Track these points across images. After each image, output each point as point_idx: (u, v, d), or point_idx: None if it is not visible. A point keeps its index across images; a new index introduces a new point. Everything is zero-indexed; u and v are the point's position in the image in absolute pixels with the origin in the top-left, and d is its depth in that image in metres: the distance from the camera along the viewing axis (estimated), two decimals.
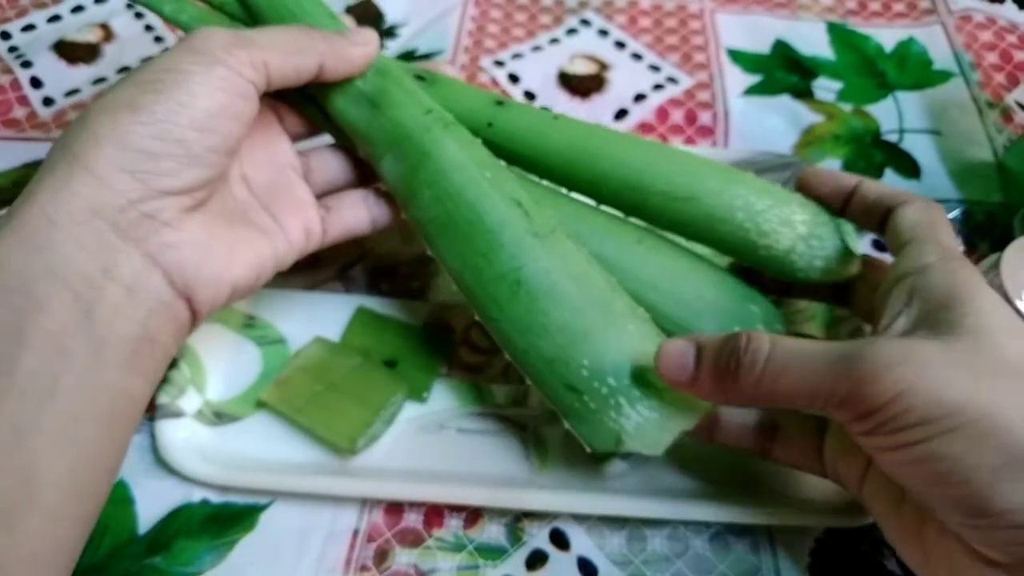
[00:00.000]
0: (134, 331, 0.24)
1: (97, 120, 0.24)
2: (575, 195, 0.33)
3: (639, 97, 0.46)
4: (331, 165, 0.32)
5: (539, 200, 0.30)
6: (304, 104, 0.32)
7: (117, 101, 0.24)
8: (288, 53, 0.27)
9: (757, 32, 0.49)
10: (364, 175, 0.33)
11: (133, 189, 0.24)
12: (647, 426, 0.27)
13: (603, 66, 0.48)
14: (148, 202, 0.24)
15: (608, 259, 0.30)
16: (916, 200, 0.27)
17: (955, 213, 0.40)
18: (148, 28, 0.50)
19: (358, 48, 0.29)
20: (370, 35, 0.30)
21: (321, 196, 0.32)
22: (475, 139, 0.31)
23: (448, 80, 0.33)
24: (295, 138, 0.32)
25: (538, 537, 0.30)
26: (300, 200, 0.30)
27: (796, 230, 0.30)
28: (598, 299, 0.28)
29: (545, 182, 0.33)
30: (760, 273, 0.32)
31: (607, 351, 0.27)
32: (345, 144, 0.33)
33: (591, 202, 0.33)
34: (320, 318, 0.36)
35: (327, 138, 0.33)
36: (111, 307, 0.23)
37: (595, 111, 0.45)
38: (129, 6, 0.51)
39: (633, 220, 0.33)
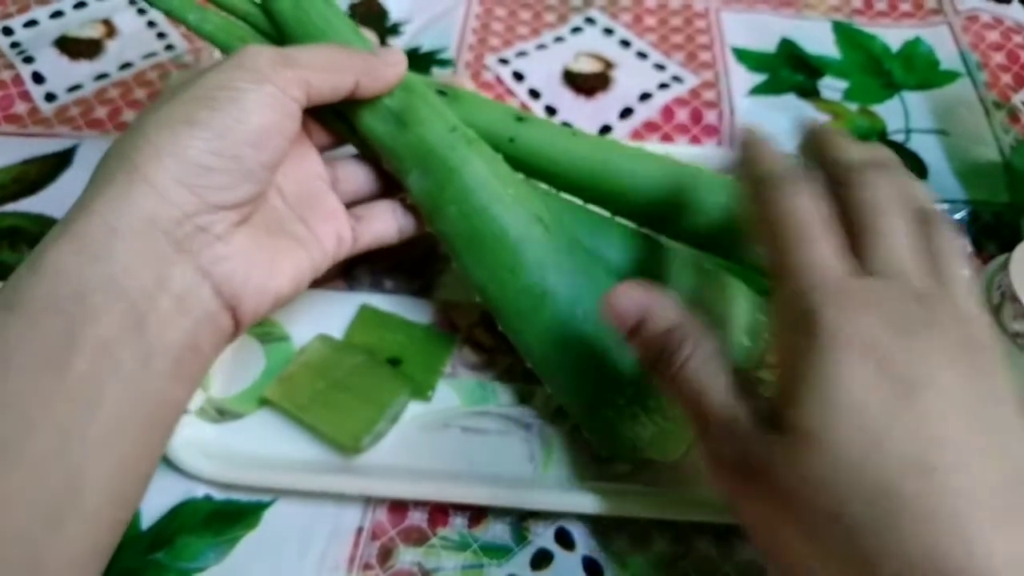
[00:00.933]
0: (181, 340, 0.24)
1: (156, 133, 0.24)
2: (591, 207, 0.34)
3: (644, 96, 0.46)
4: (357, 176, 0.33)
5: (558, 213, 0.32)
6: (332, 119, 0.33)
7: (174, 116, 0.25)
8: (327, 72, 0.28)
9: (762, 31, 0.49)
10: (389, 185, 0.33)
11: (189, 202, 0.24)
12: (662, 435, 0.29)
13: (608, 64, 0.47)
14: (203, 215, 0.25)
15: (628, 271, 0.32)
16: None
17: (962, 214, 0.40)
18: (151, 24, 0.50)
19: (391, 68, 0.30)
20: (400, 56, 0.31)
21: (349, 206, 0.32)
22: (497, 156, 0.31)
23: (469, 95, 0.34)
24: (321, 150, 0.33)
25: (543, 536, 0.30)
26: (331, 209, 0.31)
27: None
28: None
29: (563, 194, 0.34)
30: None
31: (625, 363, 0.29)
32: (370, 157, 0.33)
33: (606, 213, 0.34)
34: (324, 316, 0.36)
35: (350, 148, 0.34)
36: (162, 317, 0.24)
37: (600, 110, 0.45)
38: (132, 2, 0.51)
39: (647, 231, 0.33)
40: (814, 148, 0.27)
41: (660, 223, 0.33)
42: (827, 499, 0.20)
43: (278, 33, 0.33)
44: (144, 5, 0.51)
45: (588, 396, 0.30)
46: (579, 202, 0.34)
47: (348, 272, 0.38)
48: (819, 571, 0.20)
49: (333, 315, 0.36)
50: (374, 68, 0.29)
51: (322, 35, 0.31)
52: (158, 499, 0.31)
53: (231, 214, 0.26)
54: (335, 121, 0.33)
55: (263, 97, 0.26)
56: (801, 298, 0.22)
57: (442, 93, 0.33)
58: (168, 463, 0.31)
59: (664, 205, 0.32)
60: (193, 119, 0.25)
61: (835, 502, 0.20)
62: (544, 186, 0.34)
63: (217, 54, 0.48)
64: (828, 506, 0.20)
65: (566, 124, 0.44)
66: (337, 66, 0.29)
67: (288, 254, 0.28)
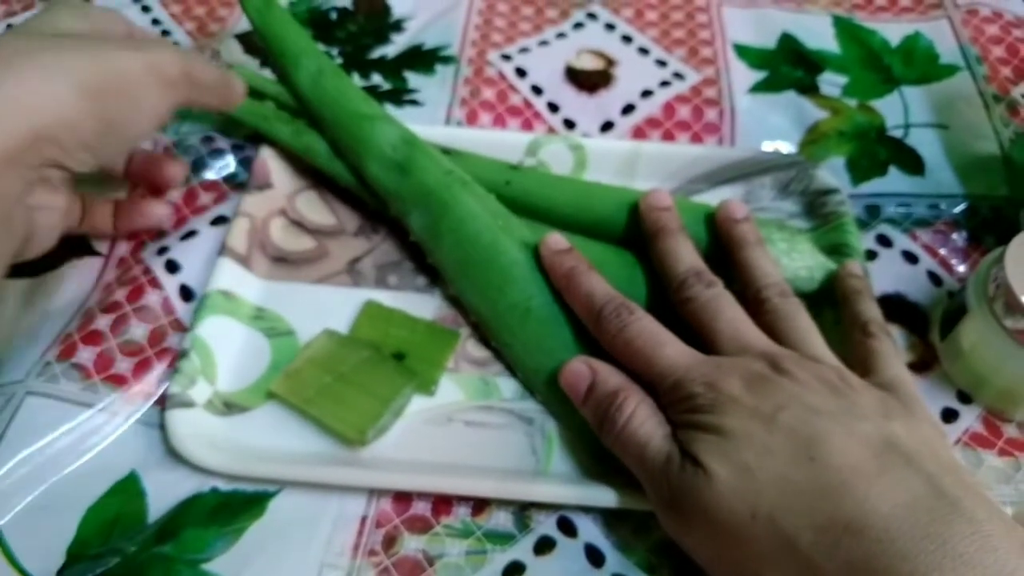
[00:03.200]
0: None
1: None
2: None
3: (646, 93, 0.46)
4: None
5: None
6: (342, 170, 0.38)
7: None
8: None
9: (763, 25, 0.49)
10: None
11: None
12: None
13: (610, 62, 0.48)
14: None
15: (608, 282, 0.33)
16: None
17: (960, 208, 0.40)
18: (155, 22, 0.50)
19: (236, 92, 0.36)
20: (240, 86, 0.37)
21: None
22: (489, 194, 0.36)
23: (470, 154, 0.39)
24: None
25: (546, 524, 0.31)
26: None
27: (776, 247, 0.35)
28: None
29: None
30: None
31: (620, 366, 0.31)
32: (378, 206, 0.39)
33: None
34: (328, 311, 0.36)
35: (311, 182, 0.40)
36: None
37: (602, 106, 0.45)
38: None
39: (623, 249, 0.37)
40: (652, 251, 0.34)
41: (638, 244, 0.36)
42: (742, 505, 0.25)
43: (299, 106, 0.40)
44: (148, 2, 0.51)
45: (568, 399, 0.31)
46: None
47: (352, 268, 0.38)
48: (761, 573, 0.25)
49: (339, 310, 0.36)
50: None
51: (337, 105, 0.38)
52: (166, 492, 0.31)
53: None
54: (347, 174, 0.38)
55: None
56: (678, 387, 0.28)
57: (446, 152, 0.38)
58: (175, 456, 0.31)
59: (638, 228, 0.36)
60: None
61: (748, 504, 0.25)
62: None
63: (222, 49, 0.48)
64: (744, 509, 0.25)
65: (568, 121, 0.45)
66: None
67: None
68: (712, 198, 0.39)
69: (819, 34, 0.49)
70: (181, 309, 0.36)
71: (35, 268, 0.38)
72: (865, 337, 0.31)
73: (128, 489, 0.31)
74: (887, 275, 0.37)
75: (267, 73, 0.46)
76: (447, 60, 0.48)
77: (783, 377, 0.27)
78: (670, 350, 0.29)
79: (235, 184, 0.41)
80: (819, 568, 0.23)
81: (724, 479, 0.25)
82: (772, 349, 0.29)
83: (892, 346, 0.31)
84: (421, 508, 0.31)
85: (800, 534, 0.24)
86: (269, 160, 0.40)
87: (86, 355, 0.34)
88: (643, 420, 0.28)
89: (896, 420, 0.26)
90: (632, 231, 0.36)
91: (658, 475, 0.27)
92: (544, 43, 0.49)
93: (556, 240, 0.34)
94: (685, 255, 0.33)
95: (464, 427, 0.33)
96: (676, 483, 0.26)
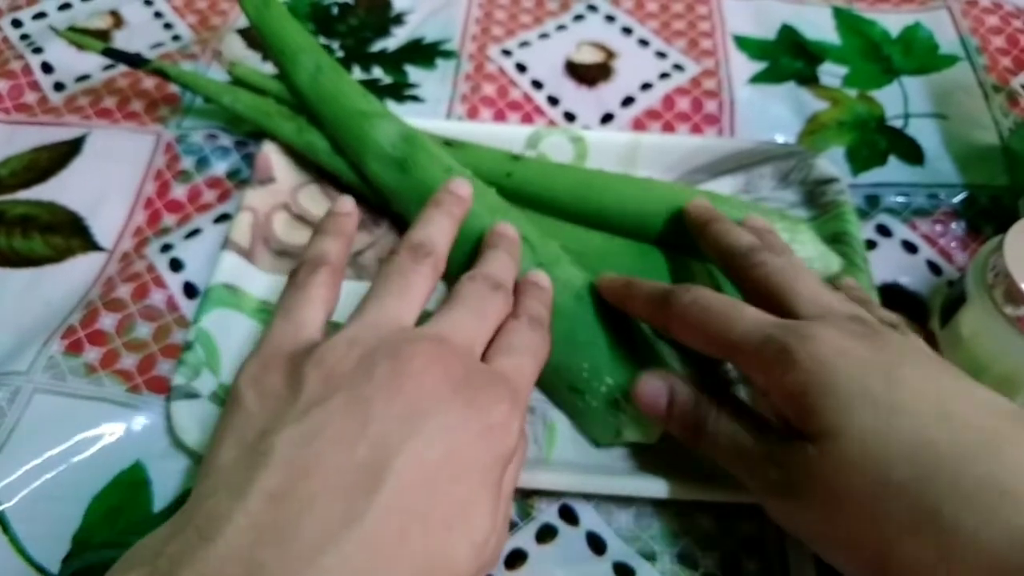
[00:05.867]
0: None
1: None
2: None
3: (646, 85, 0.46)
4: None
5: (546, 231, 0.36)
6: (345, 168, 0.39)
7: None
8: None
9: (764, 17, 0.49)
10: None
11: None
12: (642, 418, 0.31)
13: (610, 55, 0.48)
14: None
15: (604, 270, 0.34)
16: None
17: (960, 197, 0.40)
18: (158, 15, 0.51)
19: None
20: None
21: None
22: (488, 188, 0.36)
23: (472, 145, 0.39)
24: None
25: (547, 512, 0.31)
26: None
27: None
28: (597, 312, 0.33)
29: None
30: None
31: (605, 355, 0.32)
32: (379, 202, 0.39)
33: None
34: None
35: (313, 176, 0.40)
36: None
37: (602, 99, 0.45)
38: None
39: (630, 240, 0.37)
40: (705, 238, 0.33)
41: (642, 235, 0.37)
42: (872, 471, 0.22)
43: (299, 103, 0.40)
44: None
45: (571, 387, 0.32)
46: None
47: (355, 261, 0.38)
48: (894, 546, 0.22)
49: (341, 303, 0.36)
50: None
51: (335, 102, 0.38)
52: (171, 483, 0.31)
53: None
54: (348, 171, 0.39)
55: None
56: (769, 342, 0.25)
57: (448, 144, 0.39)
58: (180, 446, 0.32)
59: (642, 218, 0.36)
60: None
61: (880, 470, 0.22)
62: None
63: (223, 46, 0.48)
64: (875, 477, 0.22)
65: (569, 114, 0.45)
66: None
67: None
68: (712, 188, 0.39)
69: (819, 25, 0.49)
70: (185, 306, 0.36)
71: (37, 260, 0.38)
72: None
73: (133, 479, 0.31)
74: (887, 265, 0.37)
75: (269, 68, 0.46)
76: (447, 55, 0.48)
77: (887, 331, 0.25)
78: (750, 311, 0.27)
79: (239, 181, 0.41)
80: (971, 539, 0.20)
81: (847, 445, 0.22)
82: (857, 310, 0.27)
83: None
84: None
85: (944, 501, 0.21)
86: (272, 154, 0.40)
87: (92, 354, 0.34)
88: (731, 416, 0.27)
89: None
90: (634, 221, 0.37)
91: (761, 460, 0.25)
92: (544, 35, 0.49)
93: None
94: (744, 233, 0.31)
95: None
96: (787, 460, 0.24)
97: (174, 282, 0.37)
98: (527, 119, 0.45)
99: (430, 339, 0.24)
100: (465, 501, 0.22)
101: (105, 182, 0.41)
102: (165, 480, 0.31)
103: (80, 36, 0.42)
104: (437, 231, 0.30)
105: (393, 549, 0.20)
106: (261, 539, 0.19)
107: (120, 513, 0.31)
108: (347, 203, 0.31)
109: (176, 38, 0.49)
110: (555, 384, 0.33)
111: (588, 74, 0.47)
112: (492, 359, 0.26)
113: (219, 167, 0.42)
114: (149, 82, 0.46)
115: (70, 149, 0.43)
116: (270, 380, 0.24)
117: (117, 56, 0.41)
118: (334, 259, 0.29)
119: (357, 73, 0.47)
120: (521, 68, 0.47)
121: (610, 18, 0.50)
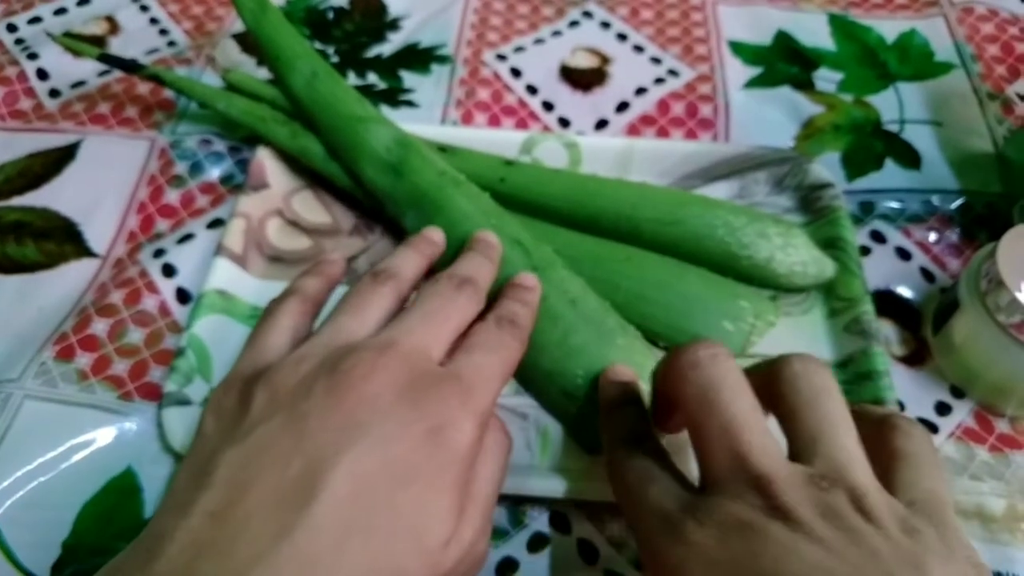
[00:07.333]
0: None
1: None
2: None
3: (640, 90, 0.46)
4: None
5: (539, 236, 0.35)
6: (340, 173, 0.39)
7: None
8: None
9: (759, 23, 0.49)
10: None
11: None
12: None
13: (605, 60, 0.48)
14: None
15: (601, 278, 0.35)
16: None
17: (955, 204, 0.40)
18: (153, 21, 0.51)
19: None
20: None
21: None
22: (483, 192, 0.36)
23: (466, 150, 0.39)
24: None
25: (539, 520, 0.31)
26: None
27: (772, 241, 0.35)
28: (591, 318, 0.32)
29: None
30: None
31: (598, 361, 0.32)
32: (374, 206, 0.39)
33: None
34: (325, 310, 0.36)
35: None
36: None
37: (597, 104, 0.45)
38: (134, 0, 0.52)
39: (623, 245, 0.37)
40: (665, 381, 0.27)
41: (636, 240, 0.37)
42: None
43: (294, 108, 0.40)
44: (146, 2, 0.52)
45: (564, 392, 0.32)
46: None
47: (349, 267, 0.38)
48: None
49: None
50: None
51: (330, 107, 0.38)
52: (160, 489, 0.31)
53: None
54: (343, 175, 0.39)
55: None
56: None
57: (442, 150, 0.39)
58: (171, 453, 0.32)
59: (636, 223, 0.36)
60: None
61: None
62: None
63: (217, 52, 0.48)
64: None
65: (563, 120, 0.45)
66: None
67: None
68: (707, 194, 0.39)
69: (814, 31, 0.49)
70: (178, 312, 0.36)
71: (30, 266, 0.38)
72: (888, 430, 0.24)
73: (124, 485, 0.31)
74: (880, 271, 0.37)
75: (264, 73, 0.46)
76: (443, 60, 0.48)
77: (775, 522, 0.21)
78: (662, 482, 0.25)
79: (232, 186, 0.41)
80: None
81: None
82: (767, 474, 0.21)
83: (925, 442, 0.24)
84: None
85: None
86: (265, 160, 0.40)
87: (84, 360, 0.34)
88: (654, 459, 0.25)
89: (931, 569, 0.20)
90: (628, 226, 0.37)
91: (654, 511, 0.24)
92: (539, 41, 0.49)
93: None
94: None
95: None
96: (677, 528, 0.22)
97: (167, 288, 0.37)
98: (521, 124, 0.45)
99: (373, 348, 0.24)
100: (412, 507, 0.22)
101: (99, 188, 0.41)
102: (156, 486, 0.31)
103: (75, 42, 0.42)
104: (403, 261, 0.30)
105: (330, 561, 0.20)
106: (200, 555, 0.20)
107: (111, 519, 0.31)
108: (337, 256, 0.32)
109: (172, 44, 0.49)
110: (548, 389, 0.33)
111: (583, 79, 0.47)
112: (451, 360, 0.25)
113: (213, 172, 0.42)
114: (144, 88, 0.46)
115: (64, 155, 0.43)
116: (226, 403, 0.24)
117: (112, 62, 0.41)
118: (309, 291, 0.29)
119: (352, 78, 0.47)
120: (516, 73, 0.47)
121: (605, 24, 0.50)
